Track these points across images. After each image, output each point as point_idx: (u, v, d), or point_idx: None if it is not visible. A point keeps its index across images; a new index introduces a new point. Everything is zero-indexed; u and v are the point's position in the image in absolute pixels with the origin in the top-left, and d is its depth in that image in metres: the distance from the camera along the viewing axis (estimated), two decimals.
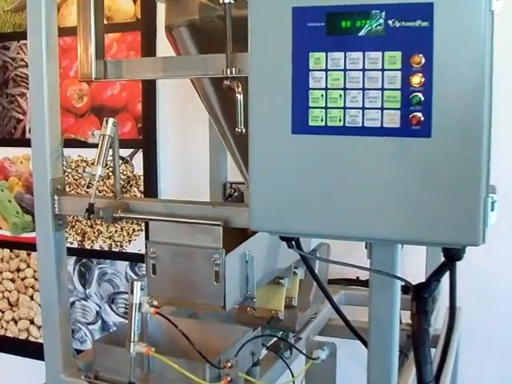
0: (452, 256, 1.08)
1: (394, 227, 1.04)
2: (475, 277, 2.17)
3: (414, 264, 1.88)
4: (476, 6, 0.97)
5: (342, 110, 1.04)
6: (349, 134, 1.04)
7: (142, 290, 1.32)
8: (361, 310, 1.70)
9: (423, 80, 0.99)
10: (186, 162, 2.76)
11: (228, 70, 1.39)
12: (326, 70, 1.04)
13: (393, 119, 1.02)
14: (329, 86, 1.05)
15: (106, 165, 1.48)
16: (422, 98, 0.99)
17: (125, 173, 2.84)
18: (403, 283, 1.18)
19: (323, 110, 1.05)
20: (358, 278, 2.28)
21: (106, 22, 2.81)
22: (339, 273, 2.28)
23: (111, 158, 1.53)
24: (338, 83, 1.04)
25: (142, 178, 2.84)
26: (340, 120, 1.04)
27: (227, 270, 1.37)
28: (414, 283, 1.17)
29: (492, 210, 1.01)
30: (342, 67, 1.04)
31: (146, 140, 2.81)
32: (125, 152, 2.82)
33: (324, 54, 1.04)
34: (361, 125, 1.03)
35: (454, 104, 0.99)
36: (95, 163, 1.48)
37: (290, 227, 1.11)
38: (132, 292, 1.31)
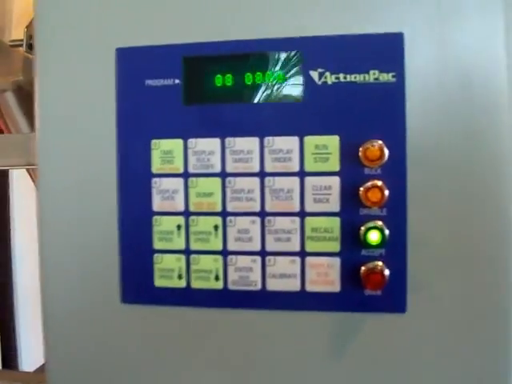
0: None
1: None
2: None
3: None
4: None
5: (221, 258, 0.50)
6: (236, 305, 0.50)
7: None
8: None
9: (387, 194, 0.47)
10: None
11: None
12: (186, 176, 0.51)
13: (326, 276, 0.48)
14: (191, 209, 0.50)
15: None
16: (386, 232, 0.47)
17: None
18: None
19: (182, 258, 0.51)
20: None
21: None
22: None
23: None
24: (211, 203, 0.50)
25: None
26: (217, 277, 0.50)
27: None
28: None
29: None
30: (219, 169, 0.50)
31: None
32: None
33: (180, 141, 0.50)
34: (259, 287, 0.50)
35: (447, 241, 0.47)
36: None
37: None
38: None
